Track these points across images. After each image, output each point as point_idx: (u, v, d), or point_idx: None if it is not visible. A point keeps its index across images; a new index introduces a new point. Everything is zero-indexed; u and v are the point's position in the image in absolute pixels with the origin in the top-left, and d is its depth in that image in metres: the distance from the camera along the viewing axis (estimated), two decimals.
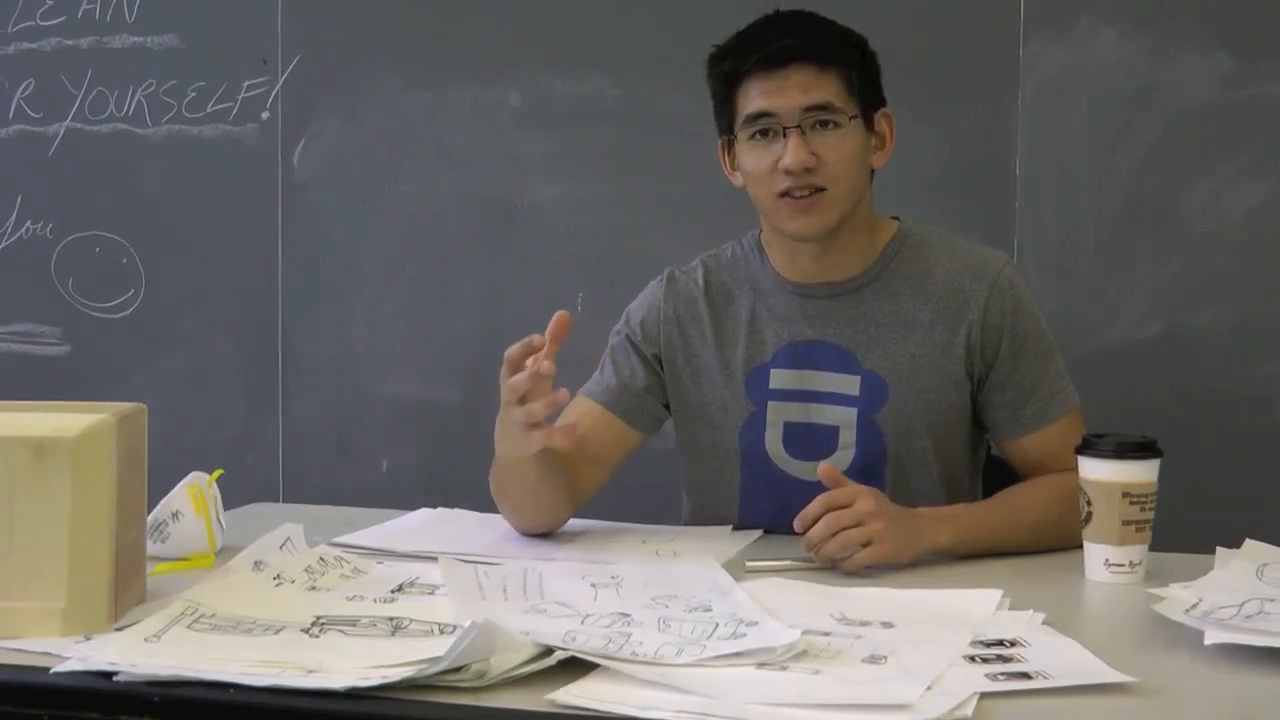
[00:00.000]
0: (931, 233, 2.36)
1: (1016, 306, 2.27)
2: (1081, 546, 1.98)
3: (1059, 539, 2.10)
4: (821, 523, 1.97)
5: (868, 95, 2.26)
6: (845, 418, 2.28)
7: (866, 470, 2.26)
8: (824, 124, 2.20)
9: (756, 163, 2.23)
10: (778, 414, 2.31)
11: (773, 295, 2.35)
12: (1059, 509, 2.10)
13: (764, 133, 2.21)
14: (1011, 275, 2.30)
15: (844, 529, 1.96)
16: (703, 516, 2.40)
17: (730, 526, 2.32)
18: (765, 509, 2.29)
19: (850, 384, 2.28)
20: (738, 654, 1.50)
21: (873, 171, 2.31)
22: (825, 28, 2.25)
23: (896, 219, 2.37)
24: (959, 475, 2.34)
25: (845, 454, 2.28)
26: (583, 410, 2.35)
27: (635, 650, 1.51)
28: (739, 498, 2.35)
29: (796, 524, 2.00)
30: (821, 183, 2.20)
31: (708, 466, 2.38)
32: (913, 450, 2.29)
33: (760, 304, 2.35)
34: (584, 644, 1.51)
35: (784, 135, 2.19)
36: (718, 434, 2.35)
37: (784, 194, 2.21)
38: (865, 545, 1.96)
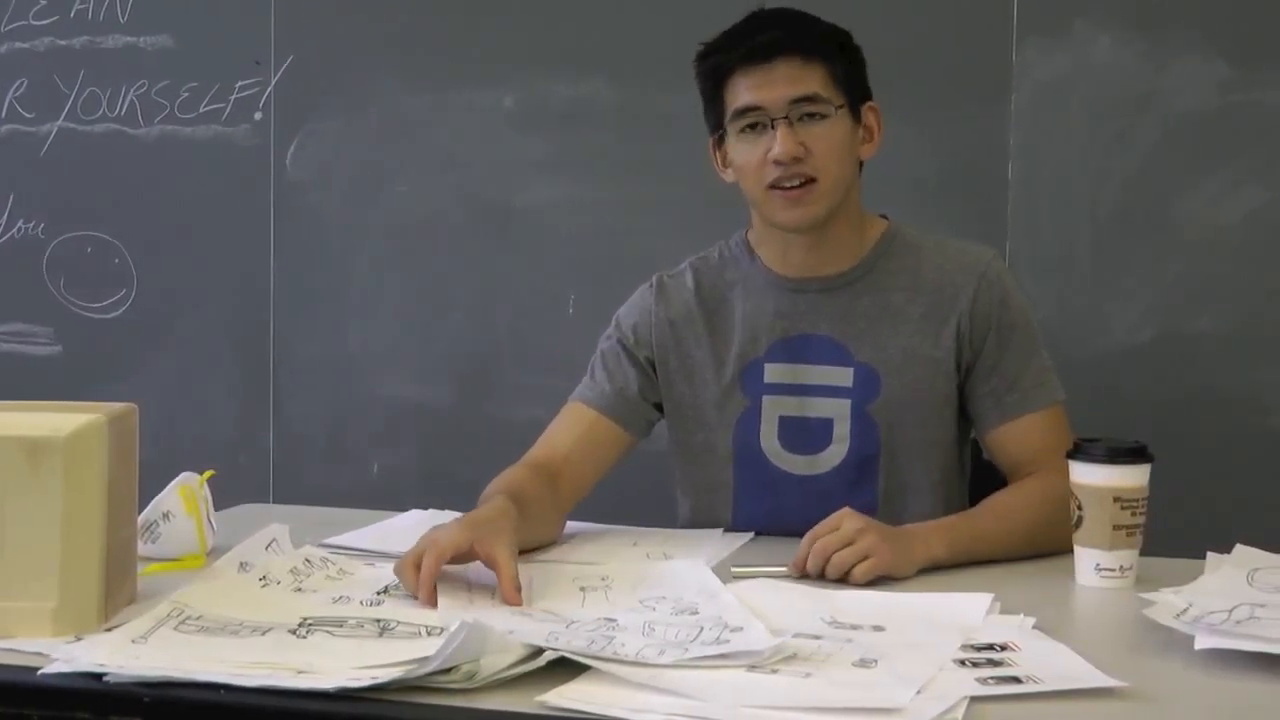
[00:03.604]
0: (920, 232, 2.39)
1: (1004, 298, 2.30)
2: (1072, 550, 1.98)
3: (1051, 542, 2.10)
4: (811, 555, 1.93)
5: (853, 87, 2.29)
6: (839, 409, 2.30)
7: (861, 463, 2.30)
8: (811, 115, 2.23)
9: (746, 156, 2.26)
10: (773, 408, 2.33)
11: (764, 292, 2.36)
12: (1049, 511, 2.10)
13: (752, 126, 2.24)
14: (999, 268, 2.34)
15: (834, 552, 1.93)
16: (699, 518, 2.40)
17: (722, 529, 2.33)
18: (760, 509, 2.30)
19: (844, 376, 2.30)
20: (720, 656, 1.50)
21: (861, 164, 2.33)
22: (809, 22, 2.28)
23: (885, 217, 2.39)
24: (950, 471, 2.36)
25: (840, 447, 2.30)
26: (576, 415, 2.37)
27: (617, 651, 1.51)
28: (733, 498, 2.36)
29: (793, 570, 1.95)
30: (811, 173, 2.22)
31: (702, 468, 2.39)
32: (906, 441, 2.30)
33: (752, 301, 2.36)
34: (567, 643, 1.51)
35: (772, 127, 2.22)
36: (712, 434, 2.36)
37: (774, 185, 2.24)
38: (862, 560, 1.93)
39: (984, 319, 2.29)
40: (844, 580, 1.92)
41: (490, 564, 1.81)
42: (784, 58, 2.22)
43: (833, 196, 2.26)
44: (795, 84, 2.22)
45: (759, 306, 2.36)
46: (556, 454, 2.32)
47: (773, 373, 2.33)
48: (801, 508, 2.18)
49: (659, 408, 2.41)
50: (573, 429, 2.35)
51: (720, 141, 2.32)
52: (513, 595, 1.76)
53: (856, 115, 2.29)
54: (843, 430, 2.30)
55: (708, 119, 2.34)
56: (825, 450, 2.30)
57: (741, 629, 1.61)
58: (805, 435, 2.32)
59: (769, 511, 2.29)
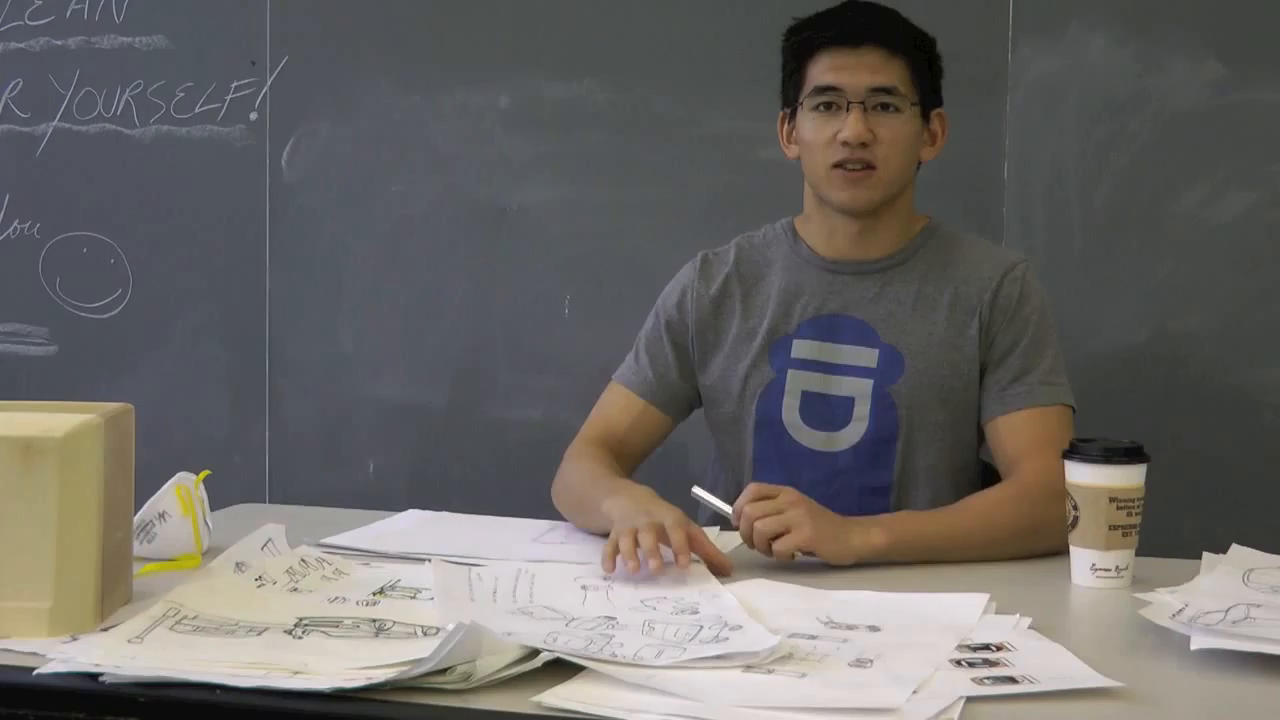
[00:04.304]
0: (959, 231, 2.48)
1: (1025, 294, 2.36)
2: (1056, 553, 1.98)
3: (1023, 547, 2.10)
4: (742, 519, 2.02)
5: (928, 90, 2.38)
6: (861, 389, 2.35)
7: (879, 443, 2.34)
8: (885, 106, 2.31)
9: (816, 132, 2.34)
10: (796, 382, 2.38)
11: (802, 270, 2.43)
12: (1021, 514, 2.12)
13: (828, 105, 2.33)
14: (1027, 270, 2.39)
15: (762, 517, 2.00)
16: (727, 490, 2.42)
17: (718, 528, 2.33)
18: (778, 482, 2.31)
19: (869, 357, 2.36)
20: (718, 656, 1.50)
21: (919, 165, 2.41)
22: (900, 21, 2.38)
23: (926, 216, 2.46)
24: (966, 463, 2.40)
25: (859, 425, 2.35)
26: (624, 400, 2.47)
27: (615, 652, 1.51)
28: (753, 471, 2.41)
29: (732, 517, 2.05)
30: (874, 160, 2.31)
31: (730, 440, 2.45)
32: (925, 425, 2.34)
33: (789, 278, 2.43)
34: (565, 645, 1.51)
35: (846, 110, 2.30)
36: (739, 406, 2.42)
37: (837, 165, 2.32)
38: (785, 533, 1.99)
39: (1002, 311, 2.34)
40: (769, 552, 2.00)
41: (695, 541, 1.94)
42: (871, 46, 2.32)
43: (890, 187, 2.35)
44: (876, 73, 2.31)
45: (795, 283, 2.42)
46: (614, 435, 2.44)
47: (800, 348, 2.39)
48: (819, 484, 2.27)
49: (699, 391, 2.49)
50: (623, 414, 2.46)
51: (789, 118, 2.42)
52: (726, 564, 1.95)
53: (926, 117, 2.38)
54: (863, 409, 2.35)
55: (784, 94, 2.43)
56: (845, 428, 2.36)
57: (741, 628, 1.62)
58: (826, 411, 2.37)
59: (785, 484, 2.30)
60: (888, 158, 2.32)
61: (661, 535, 1.92)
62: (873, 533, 2.05)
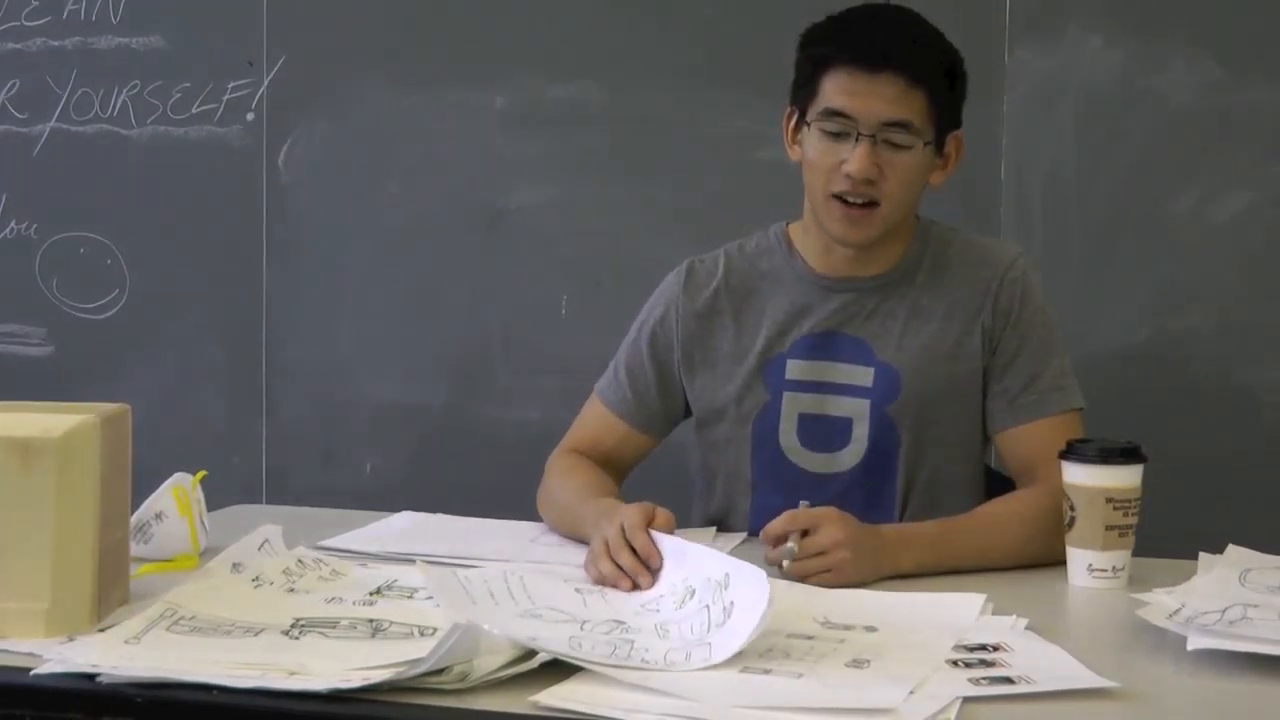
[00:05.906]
0: (949, 230, 2.37)
1: (1025, 294, 2.28)
2: (1062, 561, 1.98)
3: (1039, 557, 2.07)
4: (789, 556, 1.94)
5: (946, 118, 2.26)
6: (859, 409, 2.28)
7: (879, 463, 2.28)
8: (896, 144, 2.19)
9: (820, 156, 2.22)
10: (792, 405, 2.31)
11: (795, 287, 2.34)
12: (1039, 527, 2.08)
13: (836, 132, 2.20)
14: (1025, 265, 2.31)
15: (808, 556, 1.94)
16: (721, 505, 2.40)
17: (714, 529, 2.33)
18: (777, 503, 2.25)
19: (864, 375, 2.28)
20: (744, 625, 1.52)
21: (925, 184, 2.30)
22: (927, 40, 2.25)
23: (916, 216, 2.36)
24: (971, 471, 2.35)
25: (858, 446, 2.29)
26: (604, 421, 2.42)
27: (644, 658, 1.51)
28: (752, 491, 2.35)
29: (762, 537, 1.99)
30: (877, 196, 2.20)
31: (723, 458, 2.38)
32: (927, 439, 2.29)
33: (782, 295, 2.34)
34: (590, 652, 1.51)
35: (855, 140, 2.18)
36: (732, 427, 2.36)
37: (837, 195, 2.21)
38: (824, 572, 1.93)
39: (1005, 314, 2.27)
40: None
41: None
42: (892, 73, 2.17)
43: (891, 221, 2.24)
44: (893, 105, 2.17)
45: (789, 301, 2.34)
46: (595, 452, 2.40)
47: (794, 369, 2.31)
48: (820, 504, 2.17)
49: (686, 399, 2.41)
50: (604, 434, 2.42)
51: (797, 116, 2.29)
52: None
53: (940, 145, 2.26)
54: (861, 431, 2.28)
55: (795, 93, 2.29)
56: (844, 449, 2.29)
57: (729, 577, 1.63)
58: (824, 434, 2.30)
59: (785, 506, 2.25)
60: (892, 194, 2.20)
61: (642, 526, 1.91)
62: (901, 559, 2.01)
